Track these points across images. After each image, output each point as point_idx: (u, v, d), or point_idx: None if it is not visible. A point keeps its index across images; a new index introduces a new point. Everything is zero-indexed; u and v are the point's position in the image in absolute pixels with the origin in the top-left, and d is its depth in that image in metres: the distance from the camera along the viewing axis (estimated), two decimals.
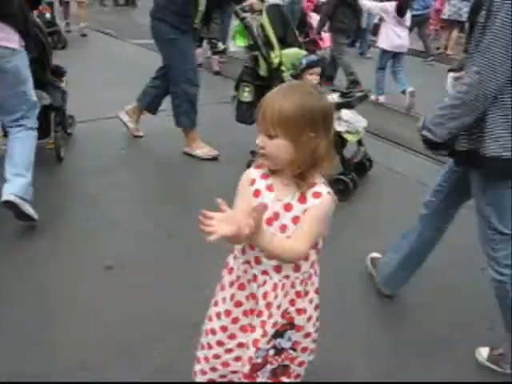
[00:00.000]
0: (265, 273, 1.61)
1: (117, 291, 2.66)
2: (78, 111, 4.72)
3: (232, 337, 1.72)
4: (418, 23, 8.91)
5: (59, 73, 4.27)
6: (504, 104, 2.01)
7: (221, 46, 7.51)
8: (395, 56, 6.75)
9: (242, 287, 1.68)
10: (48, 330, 2.36)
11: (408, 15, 6.81)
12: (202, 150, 4.41)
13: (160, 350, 2.28)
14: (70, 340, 2.31)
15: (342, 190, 3.78)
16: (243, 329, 1.70)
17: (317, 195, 1.55)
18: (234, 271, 1.69)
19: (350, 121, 3.90)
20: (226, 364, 1.75)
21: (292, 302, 1.65)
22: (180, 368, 1.85)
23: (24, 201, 3.02)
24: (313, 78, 3.88)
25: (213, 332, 1.74)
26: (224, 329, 1.72)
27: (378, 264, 2.87)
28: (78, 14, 9.60)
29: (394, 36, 6.68)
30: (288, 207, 1.56)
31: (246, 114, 4.07)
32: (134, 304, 2.56)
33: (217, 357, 1.75)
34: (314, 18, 7.92)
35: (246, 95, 4.09)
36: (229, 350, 1.73)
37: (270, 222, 1.57)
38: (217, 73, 7.54)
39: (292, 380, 1.78)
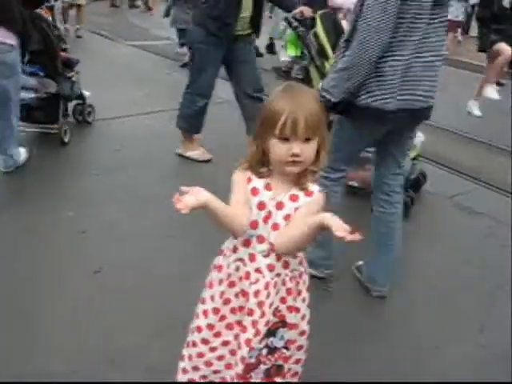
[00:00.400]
0: (258, 271, 1.62)
1: (110, 292, 2.65)
2: None
3: (217, 335, 1.71)
4: None
5: (70, 64, 4.56)
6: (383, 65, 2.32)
7: None
8: None
9: (231, 284, 1.67)
10: (35, 334, 2.34)
11: None
12: (195, 152, 4.41)
13: (152, 351, 2.27)
14: (58, 344, 2.30)
15: None
16: (229, 326, 1.70)
17: (309, 194, 1.58)
18: (224, 269, 1.68)
19: None
20: (208, 363, 1.75)
21: (283, 300, 1.65)
22: (173, 369, 1.86)
23: None
24: None
25: (198, 330, 1.73)
26: (211, 327, 1.71)
27: (362, 266, 2.93)
28: (75, 16, 9.59)
29: None
30: (280, 205, 1.58)
31: None
32: (126, 305, 2.56)
33: (201, 355, 1.75)
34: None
35: None
36: (213, 349, 1.73)
37: (265, 220, 1.59)
38: None
39: (289, 379, 1.79)
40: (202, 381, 1.79)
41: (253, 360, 1.67)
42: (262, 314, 1.63)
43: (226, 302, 1.68)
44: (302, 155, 1.51)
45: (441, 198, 4.12)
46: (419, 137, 3.80)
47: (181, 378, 1.83)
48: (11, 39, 3.40)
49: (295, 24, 3.84)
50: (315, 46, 3.75)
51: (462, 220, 3.80)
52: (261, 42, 7.22)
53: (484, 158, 5.12)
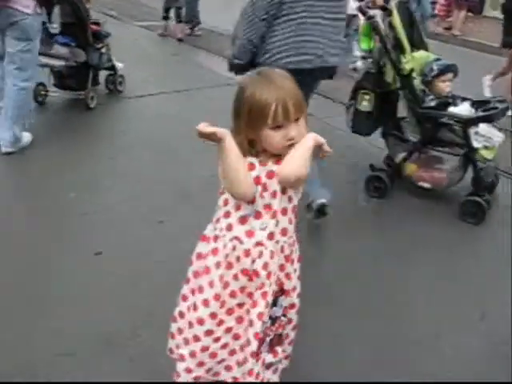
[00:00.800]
0: (259, 244, 1.59)
1: (105, 277, 2.63)
2: None
3: (220, 323, 1.65)
4: None
5: (99, 36, 4.93)
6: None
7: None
8: None
9: (229, 266, 1.62)
10: (35, 316, 2.34)
11: None
12: None
13: (145, 336, 2.25)
14: (57, 326, 2.29)
15: (474, 212, 3.38)
16: (229, 312, 1.65)
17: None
18: (220, 250, 1.63)
19: (486, 135, 3.41)
20: (213, 355, 1.69)
21: (282, 267, 1.65)
22: (165, 354, 1.85)
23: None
24: (445, 85, 3.55)
25: (200, 322, 1.65)
26: (213, 316, 1.65)
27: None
28: None
29: None
30: (271, 175, 1.55)
31: (363, 124, 3.66)
32: (121, 291, 2.54)
33: (205, 349, 1.67)
34: None
35: (366, 104, 3.59)
36: (217, 339, 1.67)
37: (261, 194, 1.56)
38: (180, 40, 7.83)
39: (287, 348, 1.80)
40: (207, 375, 1.73)
41: (262, 334, 1.65)
42: (270, 285, 1.61)
43: (226, 285, 1.63)
44: (297, 135, 1.51)
45: None
46: (499, 136, 3.51)
47: (184, 378, 1.73)
48: (28, 8, 3.67)
49: (370, 14, 3.40)
50: (391, 38, 3.42)
51: None
52: None
53: None
